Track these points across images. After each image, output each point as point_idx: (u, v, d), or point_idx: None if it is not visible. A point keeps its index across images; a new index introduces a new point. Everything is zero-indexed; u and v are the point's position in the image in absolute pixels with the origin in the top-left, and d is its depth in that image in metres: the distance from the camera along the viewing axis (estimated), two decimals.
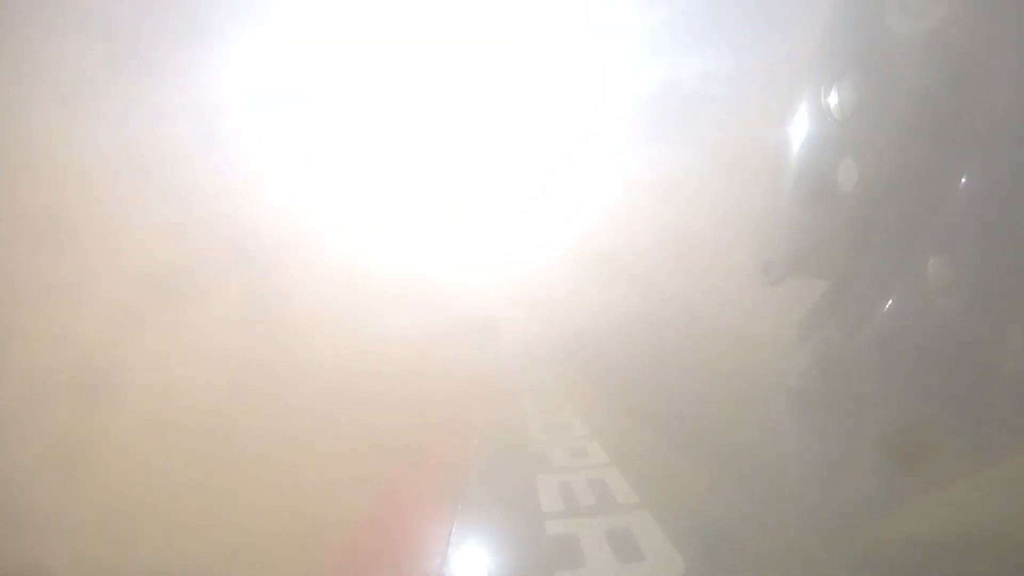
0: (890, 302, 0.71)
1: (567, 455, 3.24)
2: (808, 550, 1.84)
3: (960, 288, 0.57)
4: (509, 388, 6.04)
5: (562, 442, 3.50)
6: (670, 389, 4.78)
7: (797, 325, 0.91)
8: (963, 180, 0.53)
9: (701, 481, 2.67)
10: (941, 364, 0.66)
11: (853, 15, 0.79)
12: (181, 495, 3.30)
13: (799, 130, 0.90)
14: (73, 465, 3.60)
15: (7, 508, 2.86)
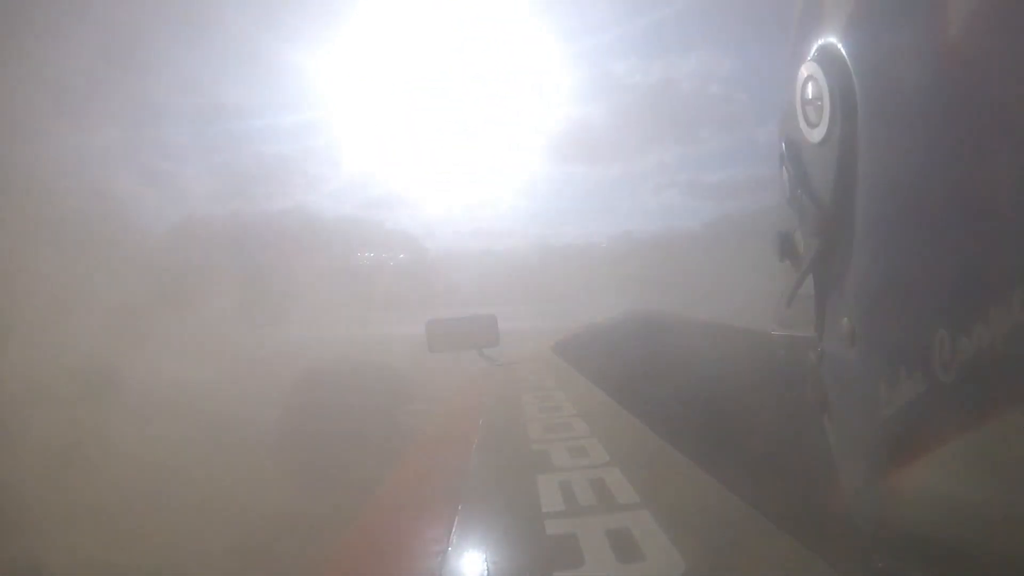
0: (821, 346, 0.80)
1: (567, 455, 3.24)
2: (808, 550, 1.85)
3: (856, 347, 0.65)
4: (509, 388, 6.06)
5: (562, 442, 3.50)
6: (670, 384, 4.79)
7: (776, 314, 0.96)
8: (939, 174, 0.58)
9: (701, 481, 2.67)
10: (846, 406, 0.74)
11: (784, 114, 0.85)
12: (181, 495, 3.30)
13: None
14: (73, 465, 3.61)
15: (7, 508, 2.87)
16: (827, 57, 0.71)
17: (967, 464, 0.51)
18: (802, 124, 0.77)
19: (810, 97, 0.74)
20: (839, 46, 0.70)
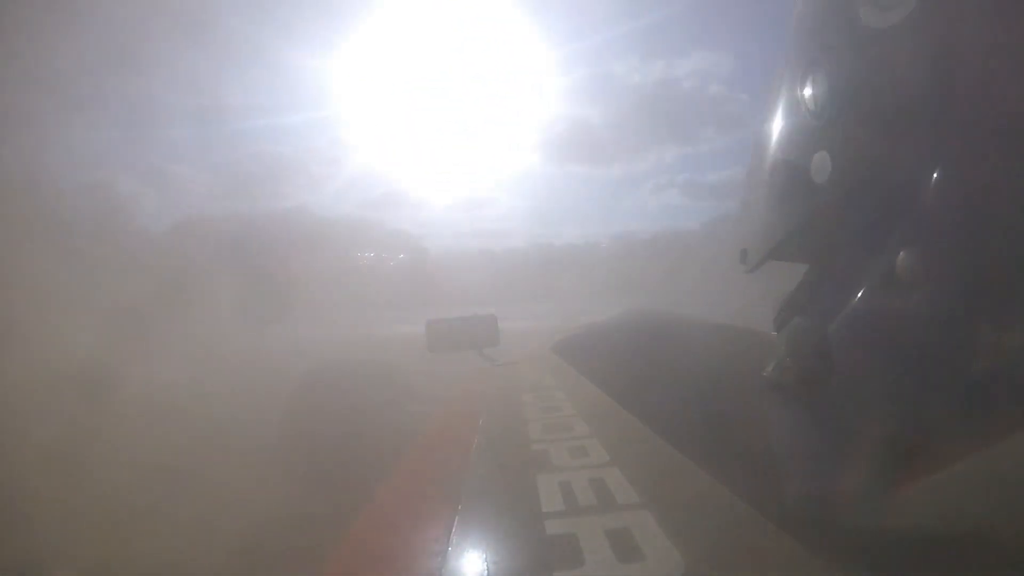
0: (860, 293, 0.72)
1: (567, 455, 3.24)
2: (806, 549, 1.85)
3: (928, 283, 0.57)
4: (509, 387, 6.06)
5: (562, 442, 3.50)
6: (669, 382, 4.79)
7: (775, 314, 0.92)
8: (935, 174, 0.54)
9: (701, 481, 2.67)
10: (908, 357, 0.66)
11: (825, 7, 0.80)
12: (181, 495, 3.31)
13: (775, 122, 0.90)
14: (73, 465, 3.61)
15: (7, 508, 2.87)
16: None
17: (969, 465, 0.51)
18: (864, 7, 0.69)
19: None
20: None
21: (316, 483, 3.37)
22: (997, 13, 0.53)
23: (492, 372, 7.69)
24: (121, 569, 2.48)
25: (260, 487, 3.28)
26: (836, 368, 0.76)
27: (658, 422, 3.73)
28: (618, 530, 2.20)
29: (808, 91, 0.79)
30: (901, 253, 0.58)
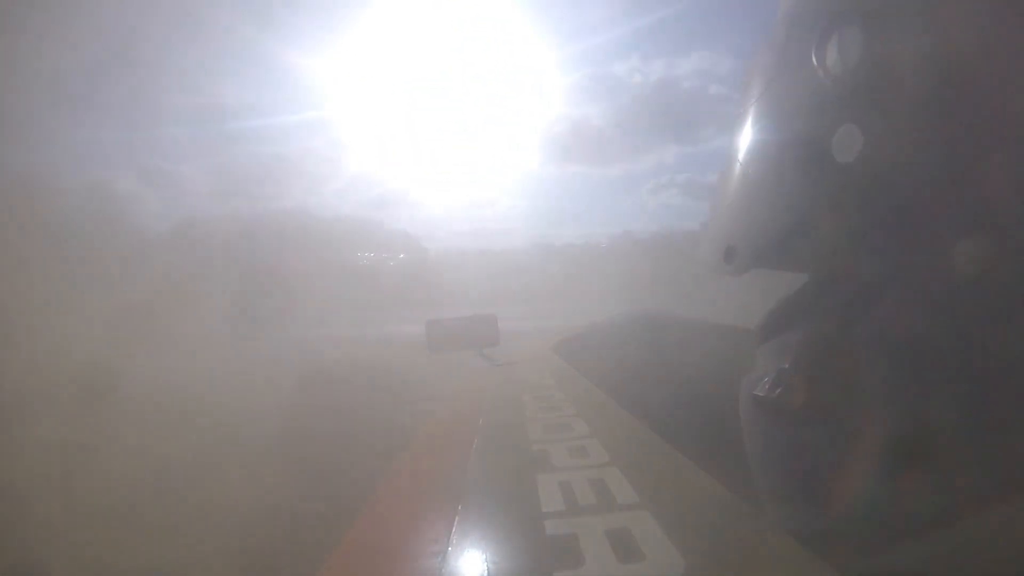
0: (899, 292, 0.57)
1: (567, 455, 3.25)
2: (806, 549, 1.85)
3: (1002, 274, 0.46)
4: (509, 387, 6.06)
5: (562, 442, 3.50)
6: (668, 384, 4.79)
7: (758, 328, 0.78)
8: (996, 152, 0.42)
9: (701, 481, 2.67)
10: (966, 361, 0.53)
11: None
12: (180, 495, 3.30)
13: (779, 92, 0.71)
14: (73, 465, 3.61)
15: (7, 508, 2.87)
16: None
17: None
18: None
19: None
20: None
21: (316, 483, 3.37)
22: None
23: (492, 372, 7.69)
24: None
25: (258, 486, 3.28)
26: (865, 388, 0.62)
27: (658, 422, 3.73)
28: (618, 530, 2.20)
29: (831, 53, 0.64)
30: (961, 243, 0.45)
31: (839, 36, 0.65)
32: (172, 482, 3.41)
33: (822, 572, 1.73)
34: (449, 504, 2.63)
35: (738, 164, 0.82)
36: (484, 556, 2.14)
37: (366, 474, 3.37)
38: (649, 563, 1.96)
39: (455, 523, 2.44)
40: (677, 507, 2.38)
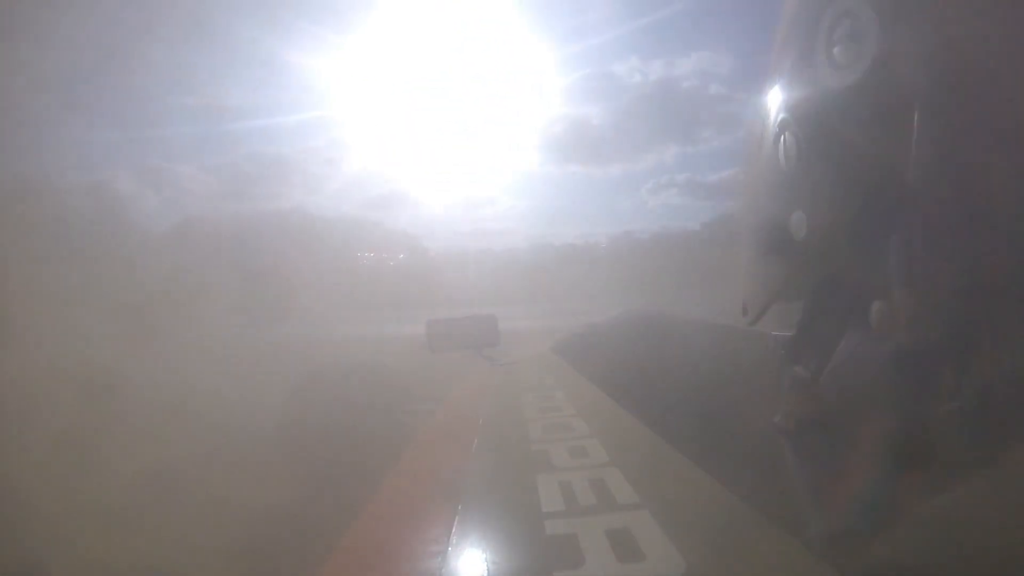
0: (842, 344, 0.75)
1: (567, 455, 3.25)
2: (807, 551, 1.85)
3: (895, 333, 0.61)
4: (509, 387, 6.06)
5: (562, 442, 3.50)
6: (671, 387, 4.79)
7: (777, 361, 0.93)
8: (895, 231, 0.57)
9: (701, 481, 2.67)
10: (888, 404, 0.68)
11: (789, 64, 0.81)
12: (180, 495, 3.31)
13: (760, 178, 0.92)
14: (73, 465, 3.61)
15: (7, 508, 2.87)
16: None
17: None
18: (824, 66, 0.73)
19: (843, 34, 0.70)
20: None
21: (315, 482, 3.37)
22: (943, 67, 0.55)
23: (492, 372, 7.69)
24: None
25: (256, 485, 3.28)
26: (830, 417, 0.79)
27: (658, 422, 3.73)
28: (618, 530, 2.20)
29: (780, 148, 0.81)
30: (875, 304, 0.61)
31: (784, 135, 0.80)
32: (170, 481, 3.42)
33: (822, 572, 1.73)
34: (449, 504, 2.63)
35: (742, 232, 0.98)
36: (484, 556, 2.15)
37: (365, 473, 3.37)
38: (649, 563, 1.96)
39: (455, 523, 2.44)
40: (677, 507, 2.38)
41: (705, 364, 5.30)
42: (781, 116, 0.86)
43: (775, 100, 0.84)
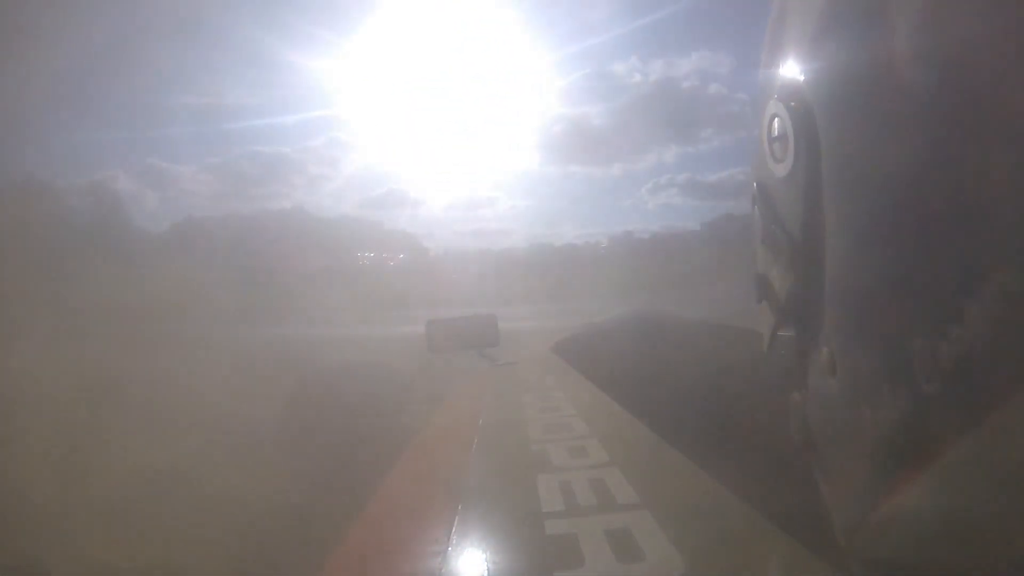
0: (809, 380, 0.85)
1: (567, 455, 3.24)
2: (806, 549, 1.85)
3: (838, 374, 0.70)
4: (509, 387, 6.06)
5: (562, 442, 3.50)
6: (672, 386, 4.80)
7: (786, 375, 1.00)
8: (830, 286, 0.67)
9: (701, 481, 2.67)
10: (841, 435, 0.78)
11: (755, 159, 0.90)
12: (181, 495, 3.31)
13: (755, 241, 1.03)
14: (73, 465, 3.61)
15: (7, 508, 2.87)
16: (788, 93, 0.74)
17: (961, 473, 0.52)
18: (769, 160, 0.81)
19: (776, 135, 0.78)
20: (800, 79, 0.72)
21: (315, 482, 3.37)
22: (866, 166, 0.61)
23: (492, 372, 7.69)
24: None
25: (256, 484, 3.28)
26: (814, 441, 0.86)
27: (658, 422, 3.73)
28: (618, 530, 2.20)
29: (759, 225, 0.92)
30: (824, 349, 0.70)
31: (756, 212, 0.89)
32: (170, 481, 3.42)
33: (822, 572, 1.73)
34: (449, 504, 2.63)
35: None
36: (484, 556, 2.14)
37: (365, 472, 3.37)
38: (649, 563, 1.96)
39: (455, 523, 2.44)
40: (677, 507, 2.37)
41: (705, 364, 5.30)
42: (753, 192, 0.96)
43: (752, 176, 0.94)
